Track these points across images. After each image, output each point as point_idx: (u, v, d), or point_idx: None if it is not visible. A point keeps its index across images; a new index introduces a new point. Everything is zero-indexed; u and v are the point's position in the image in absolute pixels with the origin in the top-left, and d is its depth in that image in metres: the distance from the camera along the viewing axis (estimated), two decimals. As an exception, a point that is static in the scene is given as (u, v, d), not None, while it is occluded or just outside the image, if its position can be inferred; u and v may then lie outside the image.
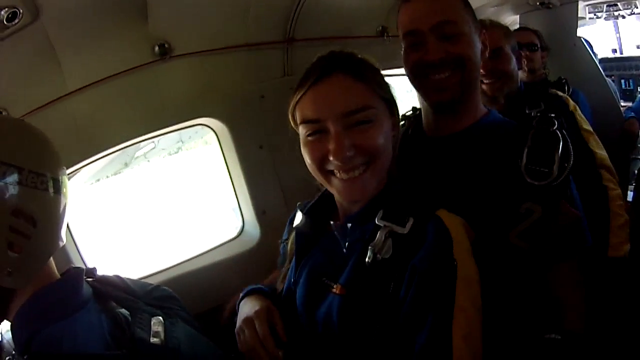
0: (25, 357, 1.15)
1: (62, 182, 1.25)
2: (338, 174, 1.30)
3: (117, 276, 1.52)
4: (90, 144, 2.37)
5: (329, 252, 1.42)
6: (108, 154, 2.52)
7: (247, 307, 1.50)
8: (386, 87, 1.38)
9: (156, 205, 16.45)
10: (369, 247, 1.26)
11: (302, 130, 1.34)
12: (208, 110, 2.64)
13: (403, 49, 1.62)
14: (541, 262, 1.43)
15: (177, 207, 15.82)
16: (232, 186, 2.87)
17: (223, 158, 2.83)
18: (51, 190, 1.20)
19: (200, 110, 2.63)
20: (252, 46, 2.65)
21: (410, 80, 1.64)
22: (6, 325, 1.25)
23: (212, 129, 2.78)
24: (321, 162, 1.31)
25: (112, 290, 1.42)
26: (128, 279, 1.55)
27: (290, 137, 1.45)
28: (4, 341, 1.30)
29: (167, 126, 2.58)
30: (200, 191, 16.89)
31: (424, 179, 1.53)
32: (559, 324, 1.39)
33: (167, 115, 2.53)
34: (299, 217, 1.56)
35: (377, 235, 1.27)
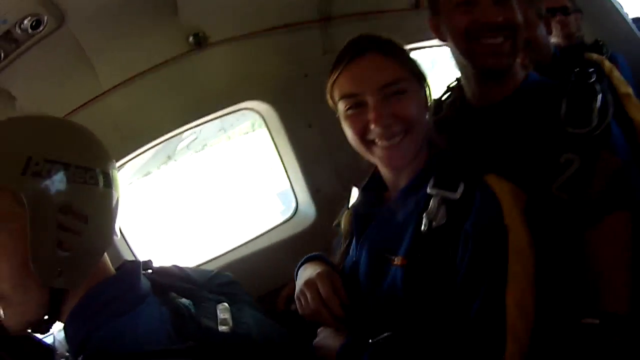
0: (80, 357, 1.06)
1: (112, 175, 1.18)
2: (379, 142, 1.33)
3: (176, 266, 1.44)
4: (132, 139, 2.31)
5: (385, 226, 1.41)
6: (151, 147, 2.45)
7: (308, 271, 1.49)
8: (414, 62, 1.40)
9: (195, 200, 16.63)
10: (424, 216, 1.27)
11: (341, 106, 1.37)
12: (251, 93, 2.52)
13: (446, 12, 1.51)
14: (583, 217, 1.32)
15: (216, 200, 15.93)
16: (283, 167, 2.76)
17: (272, 140, 2.72)
18: (101, 184, 1.13)
19: (244, 94, 2.51)
20: (288, 27, 2.53)
21: (458, 44, 1.52)
22: (58, 325, 1.16)
23: (258, 112, 2.66)
24: (363, 133, 1.34)
25: (171, 281, 1.34)
26: (187, 268, 1.45)
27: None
28: (57, 342, 1.22)
29: (210, 113, 2.48)
30: (234, 183, 17.10)
31: (473, 148, 1.47)
32: (598, 304, 1.28)
33: (209, 103, 2.44)
34: (354, 197, 1.58)
35: (431, 204, 1.27)
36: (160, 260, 1.44)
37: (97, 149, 1.18)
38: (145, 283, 1.22)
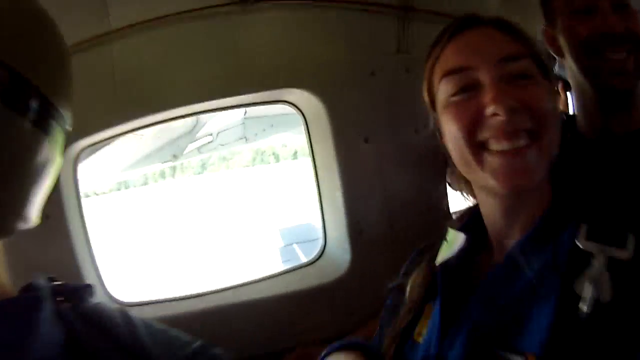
0: None
1: (56, 121, 0.65)
2: (496, 145, 0.91)
3: (123, 313, 0.77)
4: (135, 103, 1.70)
5: (492, 302, 0.92)
6: (155, 123, 1.85)
7: None
8: (540, 50, 1.03)
9: (186, 224, 16.26)
10: (587, 283, 0.82)
11: (442, 91, 0.97)
12: (300, 80, 1.85)
13: (562, 20, 1.33)
14: None
15: (209, 228, 15.47)
16: (317, 190, 2.04)
17: (310, 151, 2.02)
18: (30, 116, 0.59)
19: (291, 79, 1.85)
20: (361, 4, 1.94)
21: (578, 59, 1.30)
22: None
23: (300, 110, 1.98)
24: (472, 128, 0.92)
25: (103, 341, 0.70)
26: (144, 322, 0.78)
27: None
28: None
29: (243, 93, 1.84)
30: (231, 214, 16.84)
31: (601, 189, 1.12)
32: None
33: (244, 80, 1.81)
34: (455, 246, 1.05)
35: (595, 266, 0.84)
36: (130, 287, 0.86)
37: (51, 54, 0.66)
38: (50, 332, 0.62)
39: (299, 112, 1.97)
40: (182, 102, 1.75)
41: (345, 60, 1.92)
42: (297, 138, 11.95)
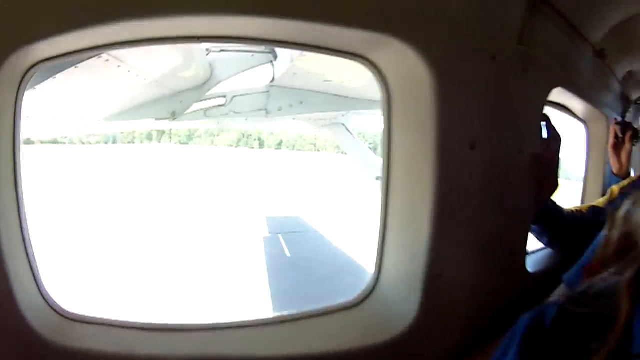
0: None
1: None
2: None
3: None
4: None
5: None
6: (143, 41, 1.14)
7: None
8: None
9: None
10: None
11: None
12: (404, 26, 1.12)
13: None
14: None
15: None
16: (383, 200, 1.32)
17: (386, 143, 1.29)
18: None
19: (387, 20, 1.11)
20: None
21: None
22: None
23: (381, 74, 1.25)
24: None
25: None
26: None
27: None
28: None
29: (296, 19, 1.07)
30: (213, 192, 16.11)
31: None
32: None
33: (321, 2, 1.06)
34: None
35: None
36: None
37: None
38: None
39: (380, 80, 1.25)
40: (191, 9, 1.02)
41: (466, 27, 1.24)
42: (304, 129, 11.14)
